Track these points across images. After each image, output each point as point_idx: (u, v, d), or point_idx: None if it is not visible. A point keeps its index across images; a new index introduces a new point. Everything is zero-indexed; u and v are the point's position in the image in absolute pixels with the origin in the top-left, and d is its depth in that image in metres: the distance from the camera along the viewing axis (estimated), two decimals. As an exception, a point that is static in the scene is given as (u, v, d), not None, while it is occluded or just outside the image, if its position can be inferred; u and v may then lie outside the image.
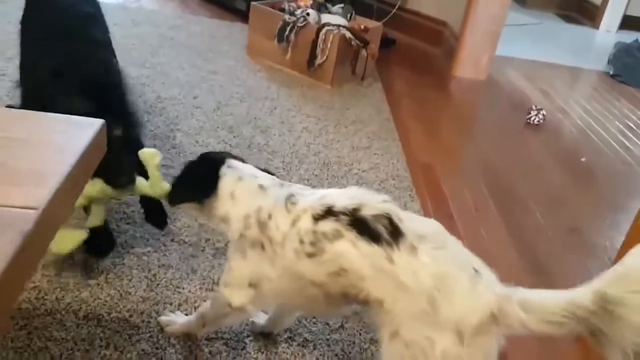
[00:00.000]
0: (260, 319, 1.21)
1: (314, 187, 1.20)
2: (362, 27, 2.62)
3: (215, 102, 2.24)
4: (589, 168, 2.39)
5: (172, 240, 1.43)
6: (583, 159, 2.43)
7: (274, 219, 0.96)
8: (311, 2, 2.72)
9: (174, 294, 1.27)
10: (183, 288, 1.29)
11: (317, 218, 0.91)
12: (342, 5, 2.83)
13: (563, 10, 5.44)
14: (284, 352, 1.17)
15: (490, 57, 3.18)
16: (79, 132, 0.61)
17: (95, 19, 1.60)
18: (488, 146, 2.42)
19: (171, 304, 1.24)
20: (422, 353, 0.84)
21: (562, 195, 2.13)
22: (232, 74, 2.55)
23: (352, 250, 0.87)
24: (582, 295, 0.77)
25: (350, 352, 1.21)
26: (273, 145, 2.00)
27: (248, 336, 1.19)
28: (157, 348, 1.13)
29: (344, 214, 0.89)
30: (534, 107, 2.67)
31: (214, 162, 1.06)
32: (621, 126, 2.92)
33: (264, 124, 2.14)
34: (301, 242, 0.91)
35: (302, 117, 2.26)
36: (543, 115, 2.64)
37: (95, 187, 1.15)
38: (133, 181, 1.18)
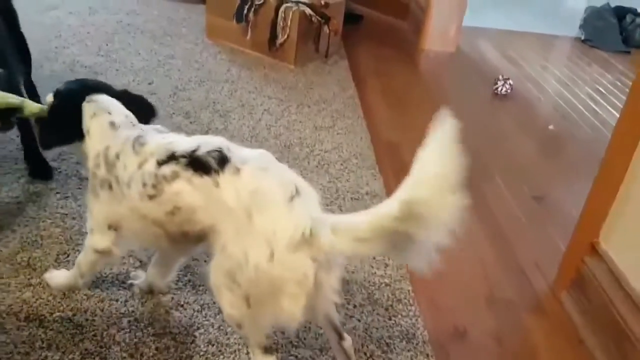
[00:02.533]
0: (140, 278, 1.23)
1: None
2: (323, 2, 2.54)
3: (171, 87, 2.17)
4: (556, 136, 2.37)
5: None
6: (551, 127, 2.41)
7: (121, 159, 1.00)
8: (270, -21, 2.63)
9: (119, 289, 1.22)
10: (129, 283, 1.24)
11: (162, 162, 0.95)
12: (302, -18, 2.74)
13: (535, -23, 5.37)
14: (235, 344, 1.13)
15: (458, 28, 3.13)
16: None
17: None
18: (454, 120, 2.38)
19: (117, 300, 1.19)
20: (239, 266, 0.89)
21: (527, 164, 2.10)
22: (190, 57, 2.48)
23: (187, 187, 0.93)
24: (387, 206, 0.82)
25: (305, 338, 1.18)
26: (232, 129, 1.94)
27: (198, 329, 1.15)
28: (101, 347, 1.08)
29: (183, 156, 0.94)
30: (500, 77, 2.63)
31: (75, 99, 1.06)
32: (591, 91, 2.90)
33: (223, 107, 2.07)
34: (144, 184, 0.96)
35: (264, 99, 2.20)
36: (510, 85, 2.61)
37: None
38: None
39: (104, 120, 1.04)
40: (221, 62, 2.48)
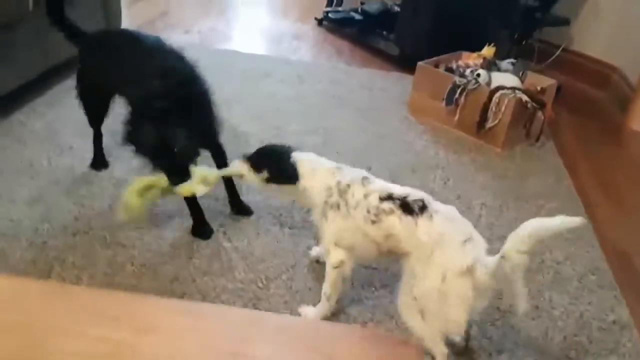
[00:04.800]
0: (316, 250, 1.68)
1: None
2: (539, 88, 2.48)
3: (388, 172, 2.23)
4: None
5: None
6: None
7: (352, 189, 1.36)
8: (481, 61, 2.63)
9: None
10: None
11: (383, 199, 1.31)
12: (511, 60, 2.71)
13: None
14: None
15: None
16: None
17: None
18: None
19: None
20: (418, 283, 1.24)
21: None
22: (398, 137, 2.55)
23: (397, 221, 1.28)
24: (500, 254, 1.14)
25: None
26: (454, 225, 1.95)
27: None
28: None
29: (398, 199, 1.30)
30: None
31: (285, 153, 1.47)
32: None
33: (440, 199, 2.06)
34: (368, 211, 1.32)
35: (478, 190, 2.19)
36: None
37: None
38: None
39: (329, 166, 1.44)
40: (428, 143, 2.52)
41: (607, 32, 3.30)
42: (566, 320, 1.58)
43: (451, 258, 1.20)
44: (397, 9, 4.20)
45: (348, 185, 1.37)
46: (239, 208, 1.88)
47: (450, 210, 1.30)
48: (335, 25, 4.13)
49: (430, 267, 1.22)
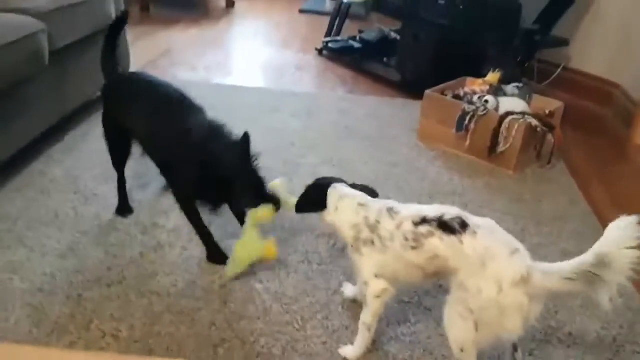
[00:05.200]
0: (348, 289, 1.72)
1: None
2: (547, 112, 2.54)
3: (405, 201, 2.20)
4: None
5: None
6: None
7: (382, 224, 1.38)
8: (487, 87, 2.69)
9: None
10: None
11: (417, 224, 1.34)
12: (516, 84, 2.77)
13: None
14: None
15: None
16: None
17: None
18: None
19: None
20: (474, 298, 1.27)
21: None
22: (411, 165, 2.59)
23: (439, 242, 1.31)
24: (586, 256, 1.19)
25: None
26: (478, 253, 1.98)
27: None
28: None
29: (434, 220, 1.32)
30: None
31: (323, 185, 1.52)
32: None
33: (461, 226, 2.13)
34: (406, 239, 1.34)
35: (497, 214, 2.22)
36: None
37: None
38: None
39: (352, 202, 1.45)
40: (440, 170, 2.56)
41: (606, 50, 3.39)
42: (600, 346, 1.60)
43: (504, 269, 1.24)
44: (394, 35, 4.30)
45: (377, 221, 1.39)
46: None
47: (490, 224, 1.34)
48: (336, 54, 4.21)
49: (484, 280, 1.25)
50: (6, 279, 1.69)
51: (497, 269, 1.25)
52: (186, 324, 1.58)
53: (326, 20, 4.50)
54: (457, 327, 1.32)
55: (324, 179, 1.59)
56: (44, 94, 2.31)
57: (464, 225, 1.30)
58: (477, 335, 1.29)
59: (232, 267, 1.73)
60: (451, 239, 1.29)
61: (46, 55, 2.17)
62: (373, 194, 1.54)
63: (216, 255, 1.82)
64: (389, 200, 1.47)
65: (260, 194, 1.67)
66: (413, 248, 1.34)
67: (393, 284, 1.43)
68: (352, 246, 1.45)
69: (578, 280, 1.19)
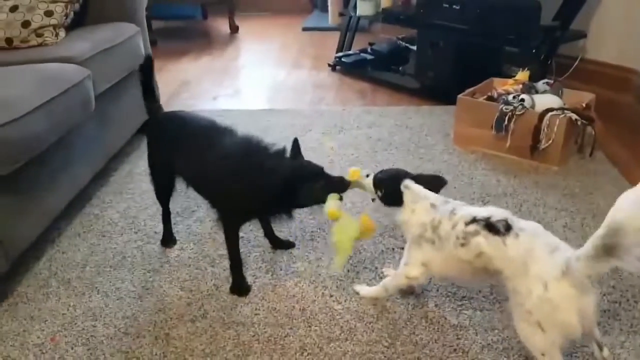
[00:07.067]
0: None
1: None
2: (584, 104, 2.56)
3: None
4: None
5: None
6: None
7: (442, 224, 1.50)
8: (520, 86, 2.72)
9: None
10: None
11: (467, 223, 1.45)
12: (546, 81, 2.80)
13: None
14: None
15: None
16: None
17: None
18: None
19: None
20: (527, 297, 1.33)
21: None
22: (455, 170, 2.61)
23: (483, 241, 1.40)
24: (597, 231, 1.20)
25: None
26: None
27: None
28: None
29: (482, 220, 1.43)
30: None
31: (397, 183, 1.60)
32: None
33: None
34: (457, 237, 1.46)
35: (553, 211, 2.23)
36: None
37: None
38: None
39: (426, 204, 1.55)
40: (485, 172, 2.58)
41: (620, 38, 3.43)
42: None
43: (545, 267, 1.30)
44: (403, 44, 4.36)
45: (440, 222, 1.51)
46: (278, 242, 2.03)
47: (535, 227, 1.41)
48: (349, 68, 4.26)
49: (530, 280, 1.32)
50: (89, 326, 1.69)
51: (539, 268, 1.31)
52: (278, 352, 1.58)
53: (330, 36, 4.56)
54: (525, 332, 1.37)
55: (389, 170, 1.70)
56: (90, 140, 2.33)
57: (508, 228, 1.38)
58: (546, 335, 1.32)
59: (338, 257, 1.65)
60: (495, 239, 1.39)
61: (93, 100, 2.19)
62: (441, 182, 1.65)
63: (241, 287, 1.81)
64: (456, 201, 1.56)
65: (328, 182, 1.68)
66: (462, 245, 1.45)
67: (442, 279, 1.63)
68: (413, 238, 1.59)
69: (601, 254, 1.20)
